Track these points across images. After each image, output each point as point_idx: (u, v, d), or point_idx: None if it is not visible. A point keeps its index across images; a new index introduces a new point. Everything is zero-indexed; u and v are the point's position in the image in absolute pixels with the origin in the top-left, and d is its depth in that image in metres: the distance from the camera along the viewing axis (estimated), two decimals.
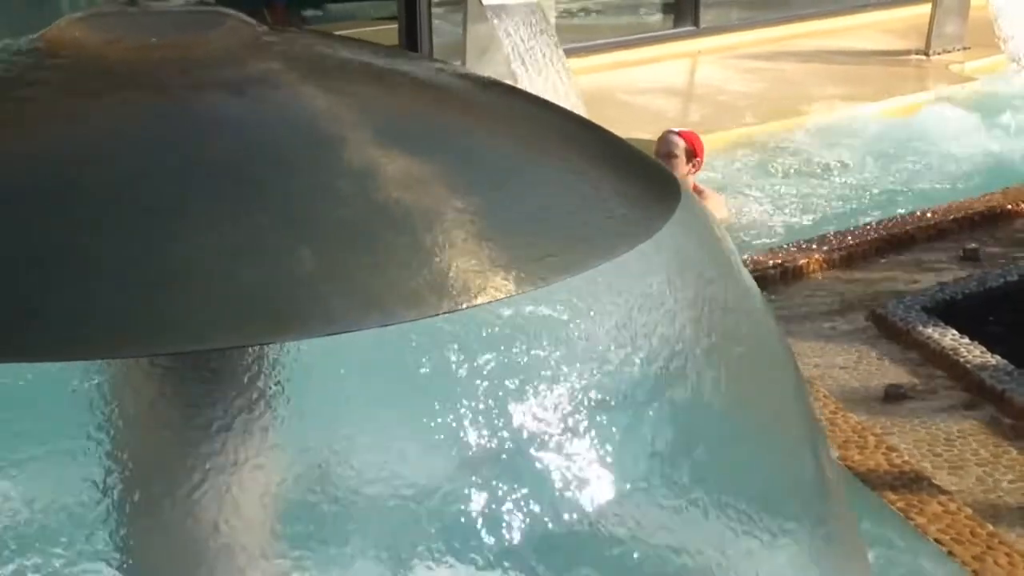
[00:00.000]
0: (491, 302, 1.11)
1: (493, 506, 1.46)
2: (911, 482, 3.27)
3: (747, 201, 6.72)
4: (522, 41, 7.21)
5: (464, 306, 1.09)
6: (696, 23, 10.36)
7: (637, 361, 1.46)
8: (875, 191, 6.97)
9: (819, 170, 7.26)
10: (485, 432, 1.41)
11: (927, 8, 9.82)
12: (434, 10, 8.10)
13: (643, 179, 1.42)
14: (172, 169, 1.13)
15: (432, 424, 1.42)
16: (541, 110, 1.49)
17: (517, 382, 1.43)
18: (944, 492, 3.24)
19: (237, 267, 1.08)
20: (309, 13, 10.17)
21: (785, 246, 5.06)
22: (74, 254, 1.06)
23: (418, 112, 1.33)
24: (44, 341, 1.04)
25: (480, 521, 1.49)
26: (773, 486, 1.60)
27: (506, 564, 1.50)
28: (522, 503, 1.44)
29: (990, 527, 3.08)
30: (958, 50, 9.75)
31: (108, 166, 1.12)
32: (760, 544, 1.58)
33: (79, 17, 1.23)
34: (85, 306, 1.03)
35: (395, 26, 8.35)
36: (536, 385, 1.42)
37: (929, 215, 5.41)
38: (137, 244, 1.07)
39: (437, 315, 1.09)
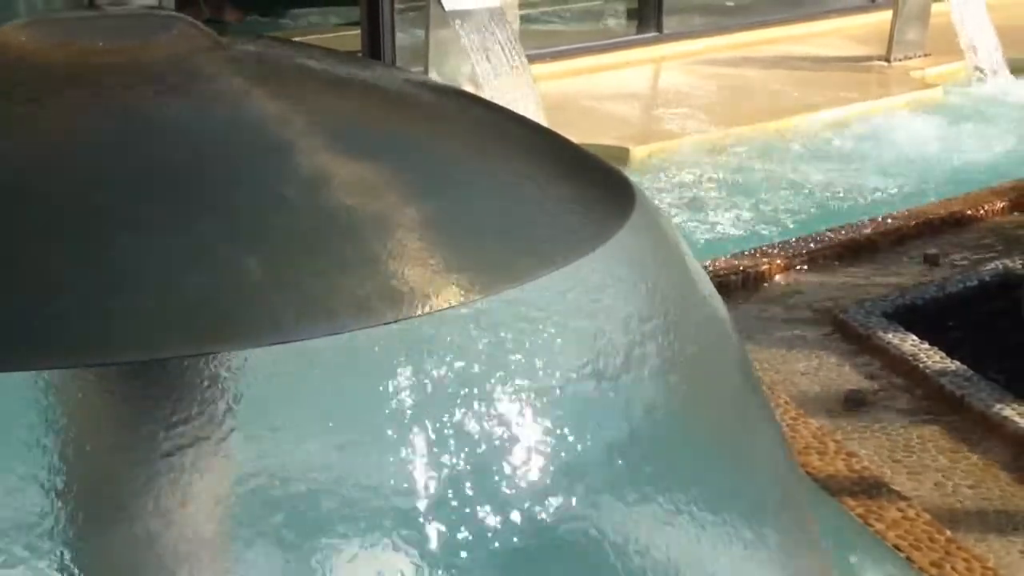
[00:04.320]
0: (441, 310, 1.10)
1: (455, 519, 1.45)
2: (870, 488, 3.28)
3: (709, 206, 6.75)
4: (484, 46, 7.21)
5: (413, 315, 1.08)
6: (659, 29, 10.41)
7: (591, 370, 1.45)
8: (836, 196, 7.01)
9: (780, 175, 7.30)
10: (439, 444, 1.40)
11: (888, 15, 9.91)
12: (397, 15, 8.09)
13: (598, 184, 1.42)
14: (116, 176, 1.11)
15: (385, 435, 1.40)
16: (494, 116, 1.48)
17: (471, 391, 1.41)
18: (903, 498, 3.25)
19: (183, 276, 1.06)
20: (283, 21, 10.14)
21: (746, 252, 5.07)
22: (12, 263, 1.04)
23: (369, 119, 1.31)
24: None
25: (445, 535, 1.47)
26: (732, 494, 1.59)
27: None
28: (477, 516, 1.43)
29: (948, 533, 3.09)
30: (919, 57, 9.84)
31: (49, 172, 1.10)
32: (719, 552, 1.57)
33: (23, 22, 1.21)
34: (25, 316, 1.01)
35: (358, 31, 8.35)
36: (488, 394, 1.41)
37: (890, 221, 5.44)
38: (80, 252, 1.05)
39: (385, 324, 1.08)
